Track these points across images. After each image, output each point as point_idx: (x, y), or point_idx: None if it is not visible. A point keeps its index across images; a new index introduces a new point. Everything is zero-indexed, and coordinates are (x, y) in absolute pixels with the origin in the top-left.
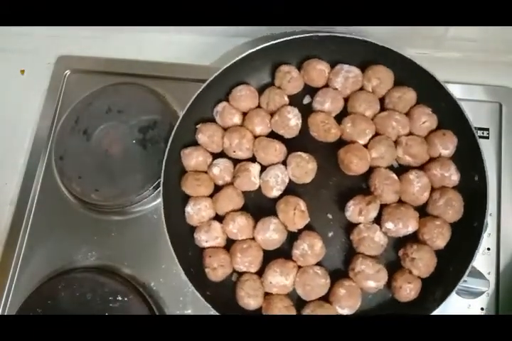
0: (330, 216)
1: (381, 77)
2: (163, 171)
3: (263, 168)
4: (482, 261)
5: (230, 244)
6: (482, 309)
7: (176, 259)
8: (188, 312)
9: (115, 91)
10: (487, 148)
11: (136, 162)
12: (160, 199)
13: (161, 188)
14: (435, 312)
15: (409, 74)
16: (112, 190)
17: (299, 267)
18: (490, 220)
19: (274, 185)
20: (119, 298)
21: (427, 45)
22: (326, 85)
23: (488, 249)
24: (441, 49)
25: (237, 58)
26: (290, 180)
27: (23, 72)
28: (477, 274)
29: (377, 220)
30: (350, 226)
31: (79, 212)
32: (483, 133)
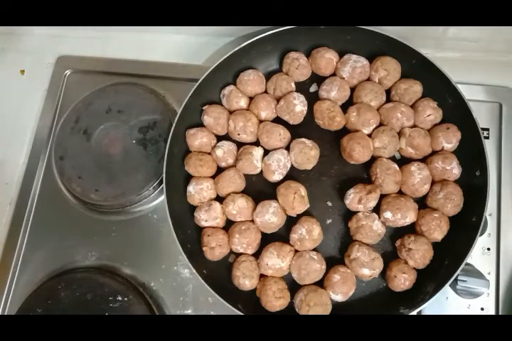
0: (329, 203)
1: (389, 69)
2: (167, 149)
3: (266, 153)
4: (482, 261)
5: (228, 227)
6: (482, 309)
7: (174, 235)
8: (188, 312)
9: (115, 91)
10: (487, 149)
11: (136, 162)
12: (161, 198)
13: (164, 165)
14: (434, 312)
15: (418, 68)
16: (112, 190)
17: (296, 251)
18: (490, 220)
19: (276, 168)
20: (119, 298)
21: (427, 45)
22: (334, 74)
23: (488, 249)
24: (441, 49)
25: (246, 42)
26: (292, 166)
27: (23, 72)
28: (477, 274)
29: (376, 210)
30: (349, 215)
31: (79, 212)
32: (483, 133)
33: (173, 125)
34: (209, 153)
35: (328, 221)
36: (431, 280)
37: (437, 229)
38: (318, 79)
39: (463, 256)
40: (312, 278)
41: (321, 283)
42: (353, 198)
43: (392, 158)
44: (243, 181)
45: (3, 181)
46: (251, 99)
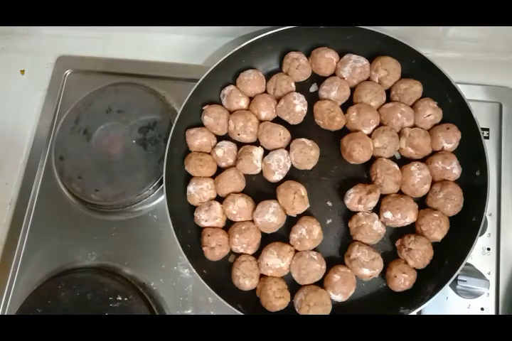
0: (329, 203)
1: (389, 69)
2: (167, 149)
3: (266, 153)
4: (482, 261)
5: (228, 227)
6: (482, 309)
7: (174, 235)
8: (188, 312)
9: (115, 91)
10: (487, 149)
11: (136, 162)
12: (161, 198)
13: (164, 165)
14: (434, 312)
15: (418, 68)
16: (112, 190)
17: (296, 251)
18: (490, 220)
19: (276, 168)
20: (119, 298)
21: (427, 45)
22: (334, 74)
23: (488, 249)
24: (441, 49)
25: (246, 42)
26: (292, 166)
27: (23, 72)
28: (477, 274)
29: (376, 209)
30: (349, 215)
31: (79, 212)
32: (483, 133)
33: (173, 125)
34: (209, 153)
35: (328, 221)
36: (431, 280)
37: (437, 229)
38: (318, 79)
39: (463, 256)
40: (312, 278)
41: (321, 283)
42: (353, 198)
43: (392, 158)
44: (243, 181)
45: (3, 181)
46: (251, 99)
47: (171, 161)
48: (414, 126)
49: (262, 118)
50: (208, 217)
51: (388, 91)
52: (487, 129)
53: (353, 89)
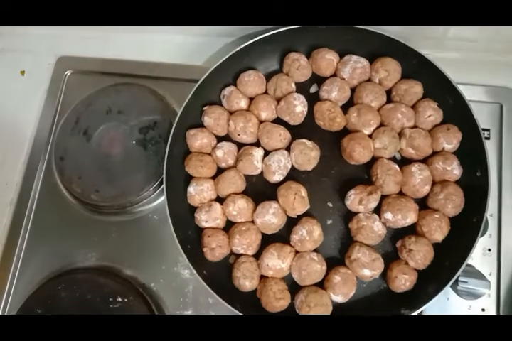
0: (330, 204)
1: (389, 69)
2: (167, 149)
3: (266, 153)
4: (483, 262)
5: (229, 228)
6: (483, 310)
7: (174, 236)
8: (188, 312)
9: (115, 91)
10: (488, 149)
11: (136, 162)
12: (161, 199)
13: (164, 165)
14: (435, 313)
15: (418, 69)
16: (112, 191)
17: (296, 252)
18: (491, 221)
19: (277, 169)
20: (119, 299)
21: (427, 45)
22: (334, 75)
23: (489, 249)
24: (442, 49)
25: (247, 43)
26: (292, 166)
27: (23, 72)
28: (478, 275)
29: (377, 210)
30: (350, 216)
31: (79, 213)
32: (483, 133)
33: (174, 125)
34: (209, 154)
35: (329, 222)
36: (432, 281)
37: (438, 230)
38: (318, 79)
39: (464, 257)
40: (313, 279)
41: (321, 284)
42: (354, 199)
43: (393, 159)
44: (243, 182)
45: (3, 181)
46: (251, 99)
47: (171, 162)
48: (414, 126)
49: (263, 119)
50: (208, 218)
51: (389, 92)
52: (488, 130)
53: (353, 90)
